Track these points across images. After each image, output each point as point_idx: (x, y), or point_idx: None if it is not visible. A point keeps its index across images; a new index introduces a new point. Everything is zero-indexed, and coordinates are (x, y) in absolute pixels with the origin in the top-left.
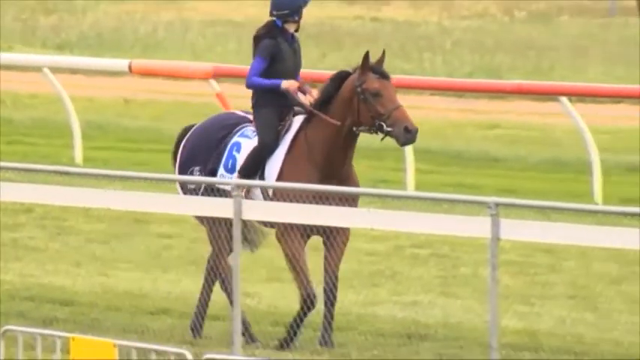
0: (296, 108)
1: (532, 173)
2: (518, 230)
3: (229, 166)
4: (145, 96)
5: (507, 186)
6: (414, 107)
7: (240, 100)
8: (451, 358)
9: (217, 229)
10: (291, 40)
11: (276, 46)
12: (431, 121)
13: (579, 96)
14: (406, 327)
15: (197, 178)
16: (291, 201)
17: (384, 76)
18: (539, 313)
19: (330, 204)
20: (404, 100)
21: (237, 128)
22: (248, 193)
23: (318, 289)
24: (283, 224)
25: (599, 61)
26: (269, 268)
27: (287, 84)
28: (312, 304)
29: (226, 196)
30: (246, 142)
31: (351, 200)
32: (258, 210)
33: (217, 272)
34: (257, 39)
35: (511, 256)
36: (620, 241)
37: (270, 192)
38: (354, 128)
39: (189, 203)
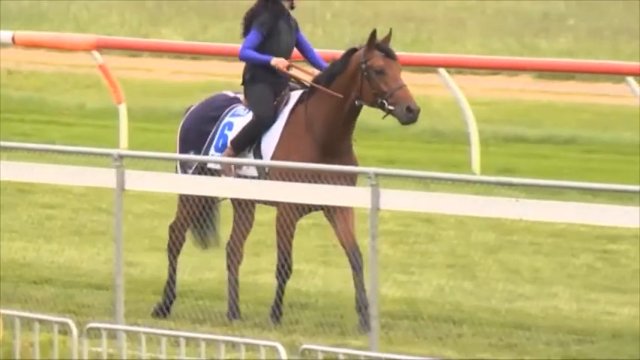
0: (291, 83)
1: (411, 144)
2: (397, 200)
3: (219, 146)
4: (28, 67)
5: (387, 156)
6: None
7: (122, 71)
8: (331, 327)
9: (241, 211)
10: (287, 18)
11: (273, 22)
12: None
13: (457, 67)
14: (287, 296)
15: (73, 148)
16: (287, 177)
17: (390, 54)
18: (418, 281)
19: (329, 182)
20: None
21: (229, 109)
22: (238, 170)
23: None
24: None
25: (477, 33)
26: (151, 238)
27: (276, 61)
28: (287, 274)
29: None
30: (239, 120)
31: (349, 179)
32: (141, 180)
33: (232, 252)
34: (251, 16)
35: (390, 226)
36: (498, 210)
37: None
38: (356, 101)
39: (71, 174)
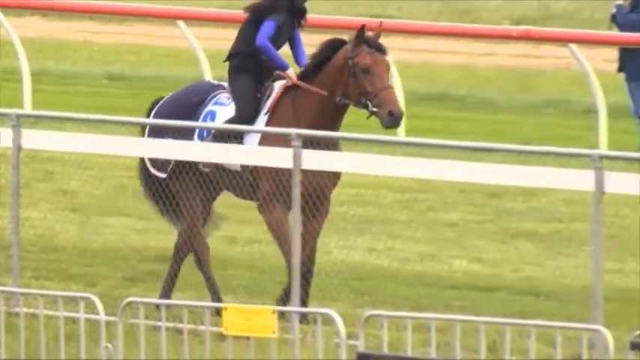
0: (275, 73)
1: None
2: None
3: (205, 135)
4: None
5: None
6: None
7: None
8: None
9: (191, 201)
10: (293, 15)
11: (284, 19)
12: None
13: None
14: None
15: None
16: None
17: (380, 50)
18: None
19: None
20: None
21: (211, 96)
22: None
23: None
24: (264, 196)
25: None
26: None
27: (291, 73)
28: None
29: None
30: (221, 109)
31: (331, 146)
32: (38, 140)
33: (190, 247)
34: (264, 8)
35: None
36: None
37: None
38: (338, 99)
39: None
